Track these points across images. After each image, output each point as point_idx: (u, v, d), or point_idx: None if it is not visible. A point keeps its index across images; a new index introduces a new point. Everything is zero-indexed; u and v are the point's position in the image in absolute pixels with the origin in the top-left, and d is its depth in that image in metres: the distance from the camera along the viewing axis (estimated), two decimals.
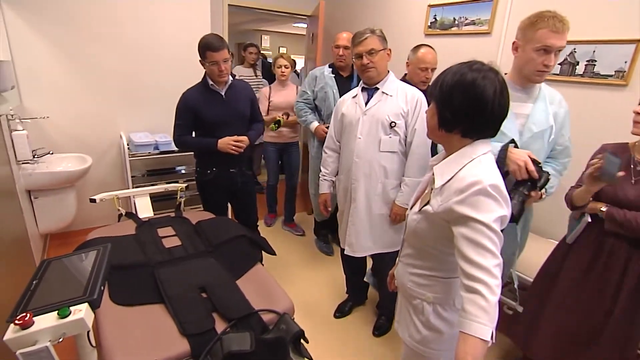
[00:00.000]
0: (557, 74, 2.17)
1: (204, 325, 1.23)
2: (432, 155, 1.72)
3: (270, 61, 5.73)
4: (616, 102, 1.96)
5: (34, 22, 2.47)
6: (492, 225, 0.84)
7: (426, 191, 1.06)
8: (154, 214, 2.16)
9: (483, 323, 0.79)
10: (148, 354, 1.11)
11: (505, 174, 1.22)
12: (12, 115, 2.17)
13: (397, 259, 1.21)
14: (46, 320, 0.88)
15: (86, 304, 0.92)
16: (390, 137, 1.76)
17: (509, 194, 1.18)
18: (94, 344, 1.06)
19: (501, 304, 1.91)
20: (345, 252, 1.98)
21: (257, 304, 1.35)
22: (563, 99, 1.50)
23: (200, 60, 1.97)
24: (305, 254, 2.98)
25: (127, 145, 2.81)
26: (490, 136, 0.95)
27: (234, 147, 2.03)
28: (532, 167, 1.19)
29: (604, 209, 1.43)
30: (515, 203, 1.17)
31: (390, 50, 1.77)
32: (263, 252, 1.85)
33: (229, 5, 3.81)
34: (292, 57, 3.62)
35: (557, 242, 1.68)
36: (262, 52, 5.90)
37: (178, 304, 1.32)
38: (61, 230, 2.75)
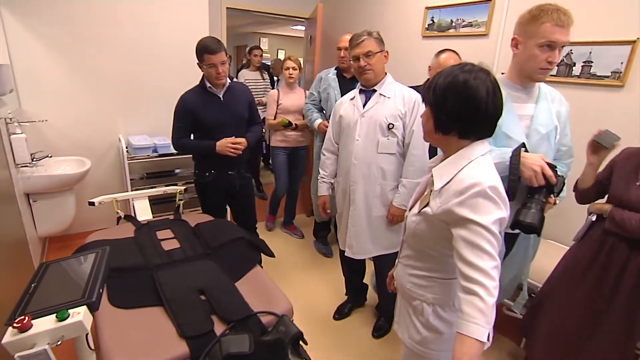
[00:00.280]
0: (554, 75, 2.18)
1: (202, 328, 1.23)
2: (430, 157, 1.73)
3: (269, 63, 5.77)
4: (613, 102, 1.97)
5: (33, 25, 2.47)
6: (490, 227, 0.84)
7: (425, 193, 1.07)
8: (153, 217, 2.16)
9: (480, 324, 0.80)
10: (147, 357, 1.11)
11: (513, 180, 1.17)
12: (10, 118, 2.17)
13: (397, 260, 1.21)
14: (45, 323, 0.88)
15: (85, 307, 0.93)
16: (388, 139, 1.76)
17: (525, 204, 1.15)
18: (92, 346, 1.06)
19: (500, 306, 1.92)
20: (345, 254, 1.98)
21: (255, 306, 1.35)
22: (562, 96, 1.45)
23: (198, 63, 1.97)
24: (304, 255, 2.98)
25: (126, 148, 2.81)
26: (487, 136, 0.96)
27: (232, 150, 2.03)
28: (549, 171, 1.13)
29: (609, 209, 1.45)
30: (534, 212, 1.12)
31: (387, 52, 1.78)
32: (262, 254, 1.85)
33: (227, 8, 3.82)
34: None
35: (558, 244, 1.71)
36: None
37: (177, 306, 1.32)
38: (60, 234, 2.74)
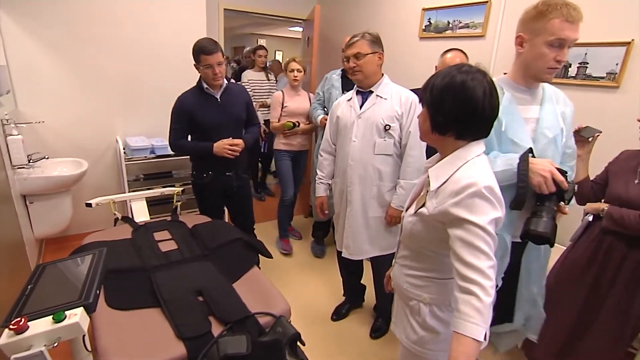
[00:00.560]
0: None
1: (200, 329, 1.23)
2: (427, 157, 1.74)
3: (267, 64, 5.76)
4: (608, 103, 1.98)
5: (29, 26, 2.47)
6: (486, 227, 0.85)
7: (422, 193, 1.07)
8: (150, 218, 2.15)
9: (476, 323, 0.80)
10: (144, 358, 1.11)
11: (522, 187, 1.12)
12: (7, 119, 2.17)
13: (393, 260, 1.21)
14: (41, 325, 0.88)
15: (81, 308, 0.92)
16: (384, 140, 1.77)
17: (536, 212, 1.10)
18: (89, 348, 1.06)
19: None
20: (342, 255, 1.99)
21: (253, 307, 1.35)
22: (566, 96, 1.38)
23: (194, 64, 1.98)
24: (301, 256, 2.98)
25: (123, 149, 2.81)
26: (484, 137, 0.96)
27: (229, 152, 2.03)
28: (560, 176, 1.08)
29: (606, 208, 1.46)
30: (546, 221, 1.06)
31: (381, 53, 1.77)
32: (259, 255, 1.85)
33: (224, 9, 3.82)
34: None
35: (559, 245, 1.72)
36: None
37: (174, 307, 1.32)
38: (57, 235, 2.73)
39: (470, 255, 0.85)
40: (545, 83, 1.32)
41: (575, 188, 1.22)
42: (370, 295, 2.33)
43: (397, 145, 1.79)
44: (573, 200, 1.30)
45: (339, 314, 2.29)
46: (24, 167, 2.30)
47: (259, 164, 4.37)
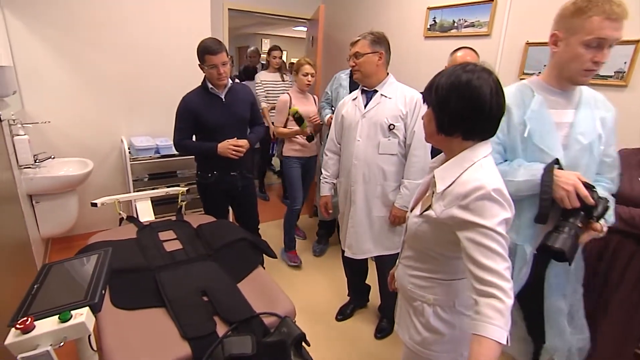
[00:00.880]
0: None
1: (205, 329, 1.23)
2: (432, 157, 1.73)
3: None
4: (616, 102, 1.93)
5: (36, 27, 2.48)
6: (497, 229, 0.84)
7: (427, 194, 1.06)
8: (155, 218, 2.16)
9: (499, 326, 0.79)
10: (149, 358, 1.11)
11: (545, 200, 1.07)
12: (13, 120, 2.18)
13: (397, 260, 1.21)
14: (47, 325, 0.88)
15: (87, 308, 0.93)
16: (389, 140, 1.76)
17: (557, 227, 1.04)
18: (95, 347, 1.06)
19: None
20: (345, 254, 1.98)
21: (258, 307, 1.35)
22: (606, 100, 1.26)
23: (199, 64, 1.98)
24: (306, 256, 2.97)
25: (128, 149, 2.82)
26: (490, 137, 0.95)
27: (233, 152, 2.03)
28: (584, 191, 1.01)
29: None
30: (565, 237, 1.00)
31: (382, 53, 1.75)
32: (264, 255, 1.85)
33: (229, 9, 3.82)
34: (292, 60, 3.60)
35: None
36: (261, 55, 5.85)
37: (179, 307, 1.32)
38: (63, 235, 2.75)
39: (484, 257, 0.83)
40: (584, 86, 1.22)
41: (610, 204, 1.10)
42: (374, 296, 2.32)
43: (402, 145, 1.78)
44: (612, 217, 1.19)
45: (343, 314, 2.28)
46: (30, 167, 2.32)
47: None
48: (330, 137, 2.02)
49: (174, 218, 2.04)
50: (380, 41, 1.75)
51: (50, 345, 0.88)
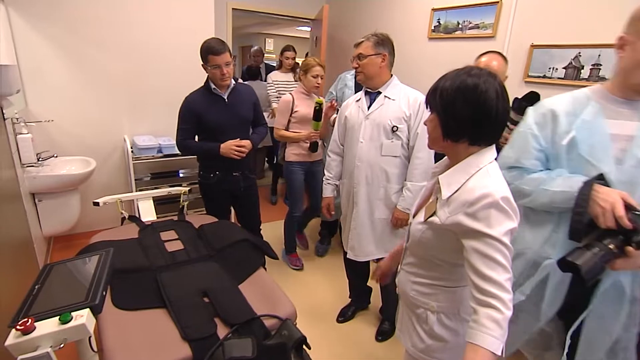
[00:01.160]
0: (562, 78, 2.16)
1: (205, 330, 1.22)
2: (435, 159, 1.72)
3: (274, 64, 5.72)
4: None
5: (40, 26, 2.49)
6: (502, 239, 0.83)
7: (431, 200, 1.04)
8: (157, 217, 2.16)
9: (496, 336, 0.79)
10: (150, 359, 1.11)
11: (578, 214, 1.00)
12: (17, 118, 2.19)
13: (399, 266, 1.20)
14: (47, 326, 0.87)
15: (88, 310, 0.92)
16: (392, 142, 1.75)
17: (588, 244, 0.95)
18: (95, 349, 1.06)
19: None
20: (347, 256, 1.98)
21: (259, 309, 1.34)
22: None
23: (202, 64, 1.97)
24: (307, 257, 2.97)
25: (131, 148, 2.82)
26: (495, 142, 0.94)
27: (236, 153, 2.03)
28: (619, 211, 0.92)
29: None
30: (590, 256, 0.92)
31: (385, 55, 1.74)
32: (266, 256, 1.85)
33: (233, 9, 3.82)
34: (296, 60, 3.56)
35: None
36: (265, 54, 5.83)
37: (180, 308, 1.31)
38: (65, 233, 2.76)
39: (487, 267, 0.83)
40: None
41: None
42: (376, 298, 2.31)
43: (405, 147, 1.77)
44: None
45: (344, 316, 2.27)
46: (33, 166, 2.33)
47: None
48: (333, 138, 2.01)
49: (175, 218, 2.04)
50: (384, 43, 1.74)
51: (51, 346, 0.87)
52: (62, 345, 0.89)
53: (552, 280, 1.16)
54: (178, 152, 2.73)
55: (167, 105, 2.75)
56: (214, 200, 2.25)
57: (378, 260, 1.98)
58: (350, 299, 2.35)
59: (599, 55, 2.00)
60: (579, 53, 2.07)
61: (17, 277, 1.75)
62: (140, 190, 2.39)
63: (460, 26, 2.75)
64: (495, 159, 0.94)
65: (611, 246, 0.92)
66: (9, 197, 1.89)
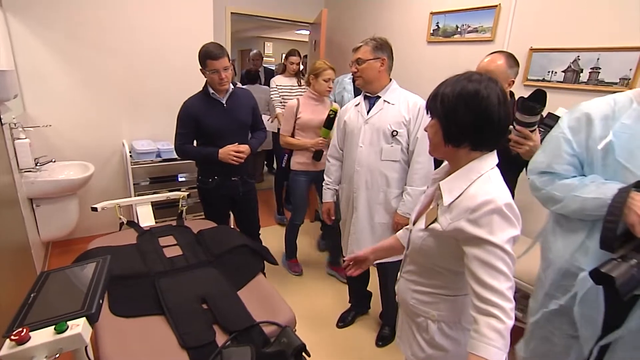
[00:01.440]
0: (561, 82, 2.16)
1: (204, 338, 1.21)
2: (436, 165, 1.71)
3: (273, 68, 5.72)
4: None
5: (38, 31, 2.49)
6: (505, 247, 0.82)
7: (431, 206, 1.02)
8: (156, 222, 2.15)
9: (498, 347, 0.78)
10: None
11: (611, 222, 0.94)
12: (15, 123, 2.18)
13: (399, 273, 1.18)
14: (43, 336, 0.86)
15: (84, 319, 0.91)
16: (392, 146, 1.74)
17: (625, 256, 0.89)
18: (92, 358, 1.04)
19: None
20: None
21: (258, 315, 1.33)
22: None
23: (200, 69, 1.97)
24: (307, 262, 2.95)
25: (130, 153, 2.81)
26: (497, 147, 0.93)
27: (234, 158, 2.02)
28: None
29: None
30: (626, 268, 0.86)
31: (384, 59, 1.73)
32: (265, 261, 1.84)
33: (231, 13, 3.83)
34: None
35: None
36: (264, 58, 5.82)
37: (178, 315, 1.30)
38: (63, 238, 2.74)
39: (488, 276, 0.82)
40: None
41: None
42: (376, 302, 2.30)
43: (405, 152, 1.77)
44: None
45: (344, 321, 2.26)
46: (31, 171, 2.31)
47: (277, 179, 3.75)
48: (332, 143, 2.00)
49: (174, 223, 2.03)
50: (382, 47, 1.73)
51: (46, 357, 0.86)
52: (57, 355, 0.88)
53: (582, 290, 1.08)
54: (177, 156, 2.73)
55: (166, 110, 2.75)
56: (212, 205, 2.24)
57: (378, 265, 1.97)
58: (350, 304, 2.33)
59: (598, 59, 1.99)
60: (578, 57, 2.07)
61: (14, 283, 1.73)
62: (139, 195, 2.38)
63: (459, 30, 2.75)
64: (498, 165, 0.93)
65: None
66: (7, 203, 1.88)
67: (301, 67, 3.45)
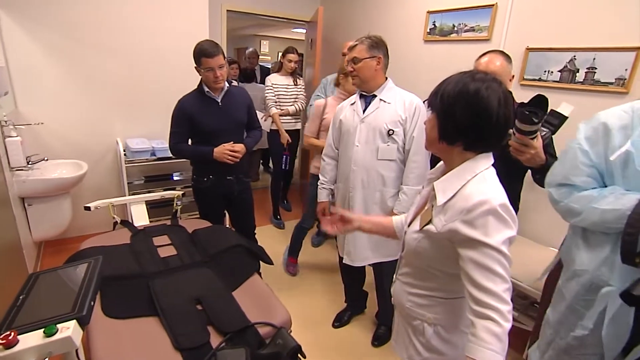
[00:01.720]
0: (557, 81, 2.15)
1: (198, 339, 1.20)
2: (432, 164, 1.70)
3: (269, 66, 5.69)
4: None
5: (30, 27, 2.45)
6: (501, 248, 0.81)
7: (426, 207, 1.01)
8: (150, 221, 2.12)
9: (496, 351, 0.77)
10: None
11: (630, 235, 0.92)
12: (5, 121, 2.14)
13: (395, 275, 1.17)
14: (31, 339, 0.84)
15: (74, 321, 0.89)
16: (388, 145, 1.73)
17: None
18: None
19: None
20: (344, 261, 1.95)
21: (253, 316, 1.31)
22: None
23: (195, 67, 1.95)
24: (303, 262, 2.94)
25: (124, 151, 2.78)
26: (494, 150, 0.92)
27: (229, 157, 2.00)
28: None
29: None
30: None
31: (380, 58, 1.72)
32: (260, 261, 1.82)
33: (227, 10, 3.79)
34: None
35: (551, 248, 1.64)
36: (260, 56, 5.79)
37: (172, 316, 1.28)
38: (55, 238, 2.71)
39: (484, 278, 0.80)
40: None
41: None
42: (372, 302, 2.29)
43: (401, 151, 1.76)
44: None
45: (340, 321, 2.25)
46: (22, 169, 2.28)
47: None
48: (327, 142, 1.99)
49: (168, 222, 2.01)
50: (378, 45, 1.72)
51: None
52: (46, 359, 0.86)
53: (611, 310, 1.04)
54: (172, 155, 2.70)
55: (161, 108, 2.72)
56: (207, 205, 2.22)
57: (374, 264, 1.96)
58: (346, 304, 2.32)
59: (594, 59, 1.99)
60: (574, 56, 2.07)
61: (5, 284, 1.70)
62: (134, 194, 2.35)
63: (455, 29, 2.75)
64: (493, 165, 0.92)
65: None
66: None
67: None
